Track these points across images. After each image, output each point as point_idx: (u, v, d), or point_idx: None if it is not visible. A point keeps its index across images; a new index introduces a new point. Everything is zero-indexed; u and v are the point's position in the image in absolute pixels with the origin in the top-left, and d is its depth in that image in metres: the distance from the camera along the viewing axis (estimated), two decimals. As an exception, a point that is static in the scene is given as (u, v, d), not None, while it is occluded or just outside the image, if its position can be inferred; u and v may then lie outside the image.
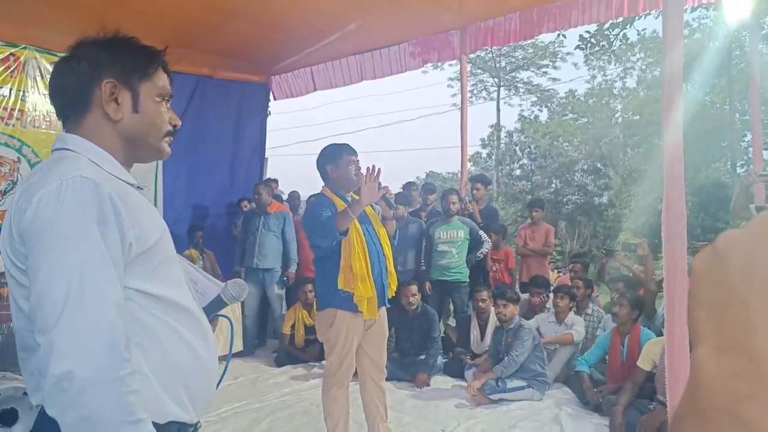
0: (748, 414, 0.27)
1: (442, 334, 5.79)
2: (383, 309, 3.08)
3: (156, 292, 1.08)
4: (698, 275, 0.32)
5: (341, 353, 2.92)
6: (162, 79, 1.20)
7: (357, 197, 3.01)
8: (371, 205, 3.03)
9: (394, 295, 3.17)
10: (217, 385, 1.23)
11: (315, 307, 5.36)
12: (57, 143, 1.14)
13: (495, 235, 5.67)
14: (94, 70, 1.13)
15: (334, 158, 2.99)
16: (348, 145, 3.04)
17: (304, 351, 5.30)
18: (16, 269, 1.03)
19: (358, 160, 3.01)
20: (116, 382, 0.94)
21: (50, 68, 5.19)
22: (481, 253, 5.35)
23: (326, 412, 3.02)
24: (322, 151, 3.07)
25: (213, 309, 1.36)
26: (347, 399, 3.04)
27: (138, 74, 1.16)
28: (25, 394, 2.15)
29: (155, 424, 1.00)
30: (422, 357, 4.76)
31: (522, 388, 4.13)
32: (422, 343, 4.81)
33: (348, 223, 2.81)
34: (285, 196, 7.00)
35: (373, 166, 2.86)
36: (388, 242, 3.07)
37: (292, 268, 5.67)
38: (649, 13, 5.35)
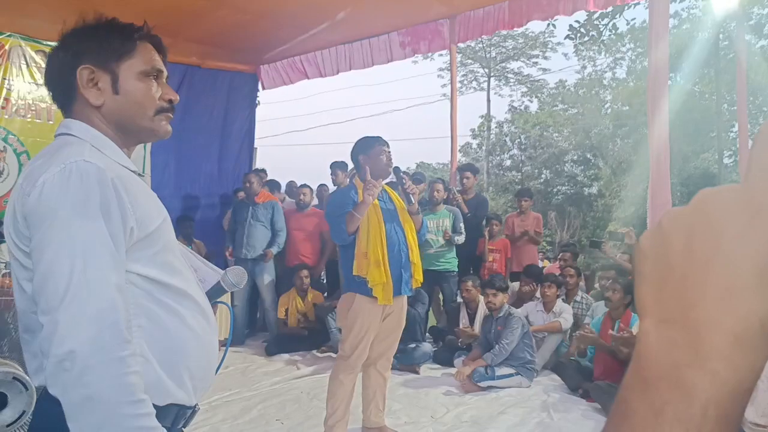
0: (687, 380, 0.29)
1: (433, 324, 5.85)
2: (403, 299, 3.13)
3: (157, 276, 1.09)
4: (643, 252, 0.34)
5: (357, 338, 2.97)
6: (145, 56, 1.16)
7: (388, 189, 3.09)
8: (400, 197, 3.16)
9: (419, 285, 3.27)
10: (217, 370, 1.25)
11: (309, 294, 5.44)
12: (60, 128, 1.15)
13: (496, 225, 5.69)
14: (71, 59, 1.13)
15: (366, 149, 3.07)
16: (381, 137, 3.13)
17: (300, 329, 5.31)
18: (20, 252, 1.05)
19: (389, 151, 3.09)
20: (117, 363, 0.96)
21: (35, 56, 5.19)
22: (455, 242, 5.37)
23: (330, 395, 3.06)
24: (355, 143, 3.15)
25: (213, 296, 1.39)
26: (353, 386, 3.08)
27: (115, 55, 1.13)
28: (15, 378, 2.17)
29: (155, 407, 1.03)
30: (412, 345, 4.80)
31: (511, 375, 4.19)
32: (411, 332, 4.85)
33: (355, 224, 2.93)
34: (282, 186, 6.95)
35: (368, 168, 2.99)
36: (414, 234, 3.13)
37: (273, 249, 5.62)
38: (639, 3, 5.38)
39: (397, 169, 3.15)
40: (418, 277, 3.15)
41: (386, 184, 3.21)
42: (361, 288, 2.95)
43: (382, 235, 2.96)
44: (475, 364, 4.26)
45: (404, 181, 3.16)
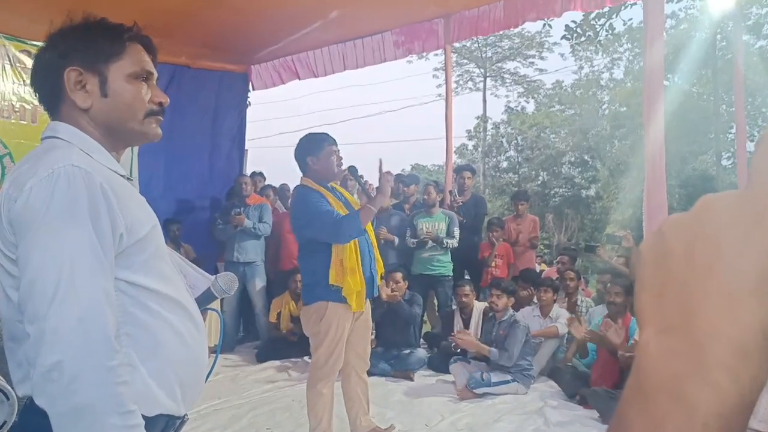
0: (688, 392, 0.28)
1: (428, 330, 5.85)
2: (368, 300, 3.12)
3: (147, 283, 1.09)
4: (644, 258, 0.33)
5: (330, 346, 2.94)
6: (134, 57, 1.16)
7: (336, 186, 3.05)
8: (351, 194, 3.09)
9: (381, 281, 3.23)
10: (206, 378, 1.25)
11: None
12: (47, 131, 1.14)
13: (497, 230, 5.67)
14: (58, 60, 1.12)
15: (315, 149, 2.98)
16: (327, 134, 3.05)
17: (291, 336, 5.29)
18: (5, 258, 1.05)
19: (338, 150, 3.01)
20: (106, 373, 0.96)
21: (20, 56, 5.16)
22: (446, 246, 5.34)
23: (310, 407, 3.04)
24: (300, 141, 3.07)
25: (203, 302, 1.39)
26: (332, 395, 3.06)
27: (103, 56, 1.13)
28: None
29: (144, 417, 1.02)
30: (406, 351, 4.80)
31: (507, 382, 4.19)
32: (406, 337, 4.85)
33: (370, 219, 2.86)
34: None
35: (380, 160, 2.93)
36: (372, 230, 3.12)
37: (248, 223, 5.54)
38: (635, 3, 5.42)
39: (353, 169, 3.11)
40: (381, 272, 3.16)
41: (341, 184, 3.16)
42: (335, 295, 2.90)
43: (355, 240, 2.91)
44: (478, 346, 4.25)
45: (362, 178, 3.12)
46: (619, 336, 3.82)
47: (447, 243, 5.27)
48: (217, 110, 6.86)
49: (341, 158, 3.02)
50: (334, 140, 3.03)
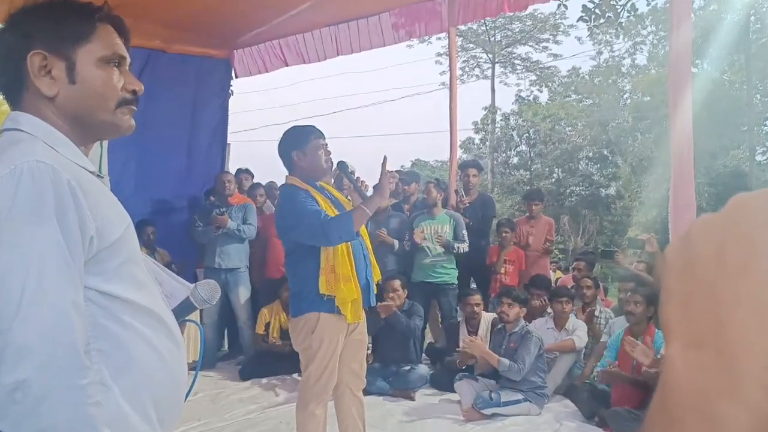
0: (718, 412, 0.28)
1: (430, 342, 5.86)
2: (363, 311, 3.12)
3: (119, 293, 1.09)
4: (669, 264, 0.33)
5: (323, 362, 2.94)
6: (105, 40, 1.16)
7: (326, 185, 3.05)
8: (343, 195, 3.10)
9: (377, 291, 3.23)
10: (185, 397, 1.25)
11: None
12: (7, 123, 1.13)
13: (506, 231, 5.67)
14: (20, 42, 1.12)
15: (301, 143, 2.99)
16: (314, 126, 3.06)
17: (280, 347, 5.29)
18: None
19: (326, 144, 3.02)
20: (77, 392, 0.96)
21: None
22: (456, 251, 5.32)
23: (300, 430, 3.04)
24: (284, 135, 3.07)
25: (181, 313, 1.38)
26: (326, 416, 3.06)
27: (71, 39, 1.12)
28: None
29: None
30: (406, 368, 4.81)
31: (518, 401, 4.20)
32: (406, 352, 4.86)
33: (364, 221, 2.86)
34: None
35: (385, 157, 2.93)
36: (366, 232, 3.12)
37: (231, 225, 5.57)
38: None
39: (342, 165, 3.11)
40: (378, 279, 3.17)
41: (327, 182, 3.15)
42: (327, 305, 2.90)
43: (348, 245, 2.92)
44: (487, 353, 4.25)
45: (354, 175, 3.13)
46: (648, 356, 3.77)
47: (458, 248, 5.25)
48: (195, 100, 6.86)
49: (330, 153, 3.02)
50: (322, 133, 3.03)
